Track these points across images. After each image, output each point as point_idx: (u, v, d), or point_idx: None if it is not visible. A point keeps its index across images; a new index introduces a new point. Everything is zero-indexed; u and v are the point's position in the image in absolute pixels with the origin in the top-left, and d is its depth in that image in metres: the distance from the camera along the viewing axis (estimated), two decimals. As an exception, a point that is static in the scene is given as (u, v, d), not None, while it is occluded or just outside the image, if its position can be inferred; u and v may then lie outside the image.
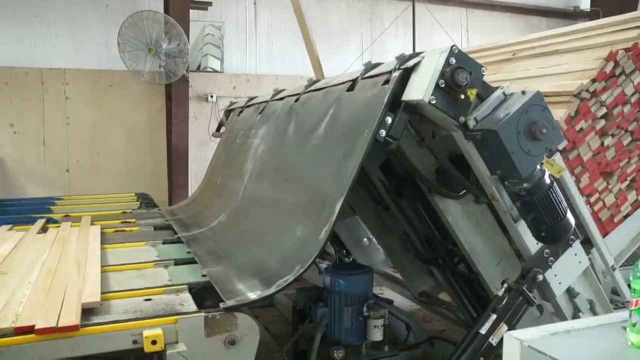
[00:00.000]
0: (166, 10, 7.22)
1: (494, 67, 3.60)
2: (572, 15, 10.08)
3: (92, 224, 3.81)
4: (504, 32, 9.42)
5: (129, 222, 4.06)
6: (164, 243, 3.38)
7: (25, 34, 6.99)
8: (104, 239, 3.40)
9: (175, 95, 7.48)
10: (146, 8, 7.14)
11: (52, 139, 7.17)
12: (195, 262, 2.85)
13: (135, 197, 5.39)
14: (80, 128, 7.28)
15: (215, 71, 8.04)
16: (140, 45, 6.85)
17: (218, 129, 5.57)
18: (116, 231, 3.74)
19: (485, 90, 2.19)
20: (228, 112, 5.25)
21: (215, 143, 5.55)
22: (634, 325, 1.42)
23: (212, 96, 7.91)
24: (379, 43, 8.84)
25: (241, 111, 4.71)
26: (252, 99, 4.69)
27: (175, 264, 2.88)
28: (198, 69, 7.92)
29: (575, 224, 2.40)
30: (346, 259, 4.46)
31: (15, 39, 6.95)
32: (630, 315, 1.43)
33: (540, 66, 3.23)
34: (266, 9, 8.30)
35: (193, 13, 7.47)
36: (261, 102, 4.21)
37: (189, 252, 3.06)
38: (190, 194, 6.96)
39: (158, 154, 7.66)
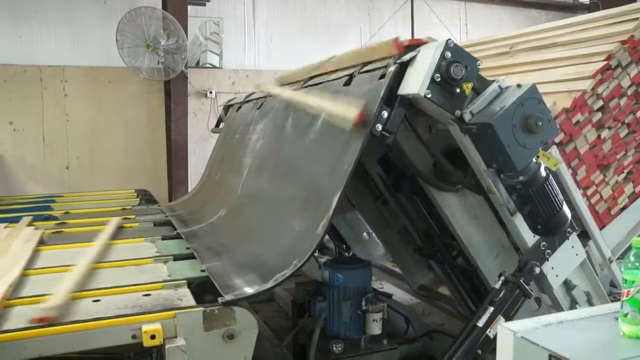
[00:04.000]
0: (164, 7, 7.21)
1: (491, 60, 3.60)
2: (571, 7, 10.06)
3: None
4: (503, 25, 9.41)
5: (129, 219, 4.07)
6: (163, 239, 3.39)
7: (23, 31, 7.00)
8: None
9: (174, 92, 7.48)
10: (144, 4, 7.14)
11: (51, 136, 7.18)
12: (194, 258, 2.87)
13: (135, 194, 5.40)
14: (79, 125, 7.29)
15: (214, 67, 8.04)
16: (138, 41, 6.85)
17: (217, 125, 5.57)
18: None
19: (481, 84, 2.20)
20: (227, 107, 5.25)
21: (215, 139, 5.56)
22: (625, 315, 1.43)
23: (211, 92, 7.92)
24: (378, 37, 8.82)
25: (240, 107, 4.72)
26: (250, 94, 4.69)
27: (175, 260, 2.89)
28: (197, 65, 7.92)
29: (572, 217, 2.41)
30: (346, 253, 4.48)
31: (13, 36, 6.96)
32: (622, 306, 1.45)
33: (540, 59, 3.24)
34: (264, 4, 8.30)
35: (191, 9, 7.47)
36: (259, 98, 4.21)
37: (188, 248, 3.08)
38: (189, 189, 6.98)
39: (157, 150, 7.67)
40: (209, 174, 5.02)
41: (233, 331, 2.09)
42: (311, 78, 3.38)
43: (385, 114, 2.19)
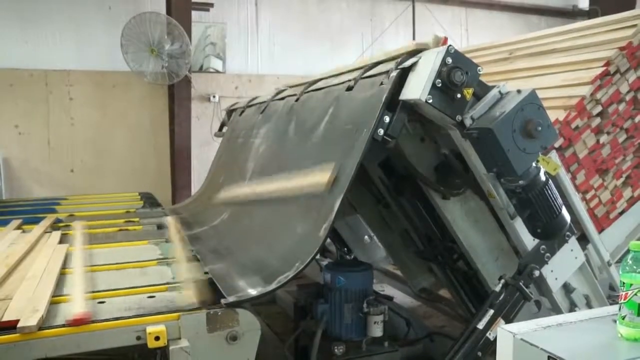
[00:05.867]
0: (168, 12, 7.26)
1: (492, 66, 3.63)
2: (571, 14, 10.07)
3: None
4: (503, 31, 9.42)
5: (133, 221, 4.10)
6: (167, 241, 3.42)
7: (29, 35, 7.04)
8: (108, 238, 3.45)
9: (177, 96, 7.52)
10: (148, 9, 7.18)
11: (56, 139, 7.22)
12: (197, 260, 2.89)
13: (139, 197, 5.44)
14: (84, 129, 7.33)
15: (217, 72, 8.08)
16: (142, 46, 6.89)
17: (220, 129, 5.61)
18: (120, 230, 3.78)
19: (482, 89, 2.22)
20: (230, 112, 5.29)
21: (218, 143, 5.60)
22: (623, 318, 1.46)
23: (214, 96, 7.95)
24: (380, 43, 8.86)
25: (243, 111, 4.75)
26: (253, 99, 4.73)
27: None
28: (200, 70, 7.95)
29: (572, 221, 2.43)
30: (347, 256, 4.50)
31: (19, 40, 7.00)
32: (620, 309, 1.47)
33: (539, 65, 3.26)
34: (268, 10, 8.34)
35: (195, 14, 7.51)
36: (262, 102, 4.24)
37: (191, 250, 3.11)
38: (193, 193, 7.01)
39: (161, 154, 7.70)
40: (212, 178, 5.05)
41: (236, 333, 2.12)
42: (314, 83, 3.42)
43: (387, 118, 2.22)
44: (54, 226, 3.82)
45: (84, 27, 7.26)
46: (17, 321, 1.94)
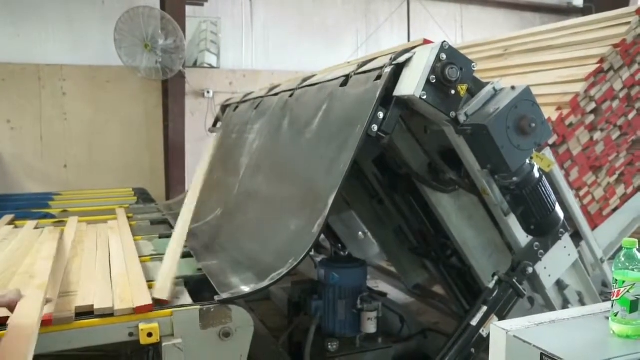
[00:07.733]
0: (162, 7, 7.23)
1: (486, 62, 3.63)
2: (565, 11, 10.11)
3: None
4: (498, 27, 9.45)
5: (126, 217, 4.08)
6: (160, 237, 3.41)
7: (22, 29, 7.00)
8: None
9: (171, 91, 7.51)
10: (142, 4, 7.14)
11: (49, 134, 7.19)
12: (191, 256, 2.89)
13: (133, 192, 5.42)
14: (77, 124, 7.30)
15: (211, 67, 8.06)
16: (136, 41, 6.86)
17: (214, 125, 5.59)
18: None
19: (476, 86, 2.22)
20: (224, 107, 5.27)
21: (212, 138, 5.58)
22: (615, 315, 1.46)
23: (208, 92, 7.93)
24: (374, 39, 8.86)
25: (237, 107, 4.74)
26: (247, 94, 4.71)
27: (172, 258, 2.91)
28: (194, 65, 7.93)
29: (565, 218, 2.44)
30: (342, 252, 4.51)
31: (12, 34, 6.96)
32: (612, 305, 1.48)
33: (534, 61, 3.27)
34: (262, 5, 8.32)
35: (189, 9, 7.49)
36: (257, 98, 4.23)
37: (185, 246, 3.09)
38: (186, 188, 6.99)
39: (155, 150, 7.69)
40: (205, 174, 5.03)
41: (229, 329, 2.11)
42: (308, 79, 3.41)
43: (381, 114, 2.21)
44: (48, 222, 3.80)
45: (77, 21, 7.22)
46: (7, 318, 1.92)
